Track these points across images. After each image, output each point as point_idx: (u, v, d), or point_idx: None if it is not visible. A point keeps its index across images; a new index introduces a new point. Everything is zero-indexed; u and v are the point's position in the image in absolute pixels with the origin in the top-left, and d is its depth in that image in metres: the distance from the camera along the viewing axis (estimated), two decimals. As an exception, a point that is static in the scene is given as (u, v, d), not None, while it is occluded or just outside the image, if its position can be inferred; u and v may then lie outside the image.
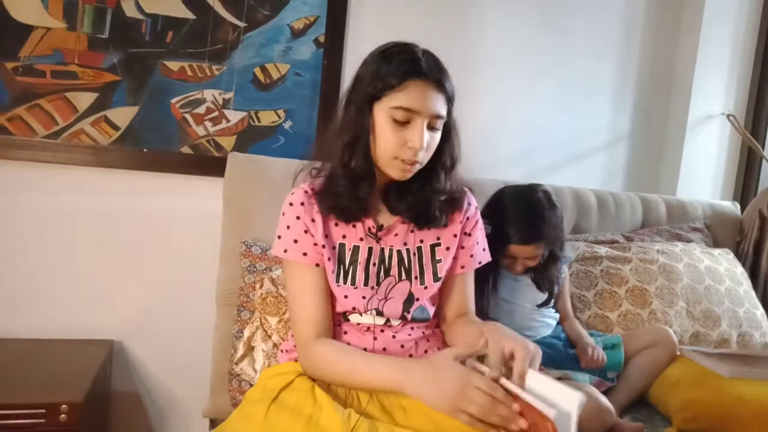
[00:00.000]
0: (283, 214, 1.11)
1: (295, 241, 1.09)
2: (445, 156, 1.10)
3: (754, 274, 2.12)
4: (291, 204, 1.10)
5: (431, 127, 1.04)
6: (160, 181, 1.73)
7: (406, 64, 1.01)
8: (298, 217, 1.09)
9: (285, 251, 1.09)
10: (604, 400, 1.31)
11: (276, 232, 1.12)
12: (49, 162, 1.64)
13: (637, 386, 1.50)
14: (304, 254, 1.09)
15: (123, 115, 1.69)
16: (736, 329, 1.81)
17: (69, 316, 1.69)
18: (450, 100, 1.05)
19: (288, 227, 1.10)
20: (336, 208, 1.08)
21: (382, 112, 1.02)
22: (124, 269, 1.73)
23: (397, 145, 1.02)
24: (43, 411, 1.27)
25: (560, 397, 0.87)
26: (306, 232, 1.09)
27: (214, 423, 1.46)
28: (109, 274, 1.72)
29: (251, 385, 1.31)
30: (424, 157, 1.05)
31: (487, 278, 1.49)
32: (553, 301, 1.59)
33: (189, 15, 1.71)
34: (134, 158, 1.70)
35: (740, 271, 1.98)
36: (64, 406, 1.27)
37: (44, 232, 1.67)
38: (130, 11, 1.67)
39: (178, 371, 1.79)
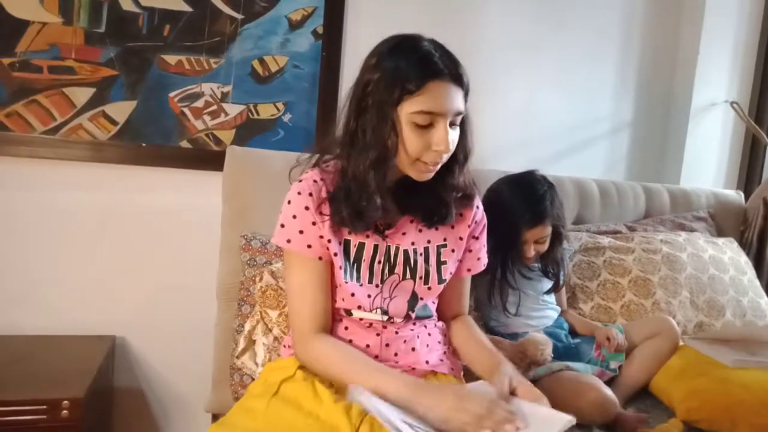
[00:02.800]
0: (289, 202, 1.05)
1: (301, 232, 1.03)
2: (458, 150, 1.04)
3: (758, 263, 2.11)
4: (299, 193, 1.04)
5: (452, 124, 0.99)
6: (159, 175, 1.73)
7: (422, 65, 0.95)
8: (306, 207, 1.03)
9: (288, 241, 1.04)
10: (607, 391, 1.30)
11: (279, 220, 1.07)
12: (47, 158, 1.63)
13: (639, 377, 1.49)
14: (309, 246, 1.04)
15: (121, 110, 1.68)
16: (740, 318, 1.79)
17: (70, 312, 1.69)
18: (467, 93, 1.01)
19: (294, 216, 1.04)
20: (352, 223, 1.03)
21: (402, 118, 0.97)
22: (125, 264, 1.73)
23: (422, 148, 0.98)
24: (45, 407, 1.27)
25: (550, 416, 0.95)
26: (314, 224, 1.03)
27: (216, 417, 1.46)
28: (109, 269, 1.72)
29: (253, 379, 1.31)
30: (446, 157, 1.01)
31: (503, 273, 1.51)
32: (561, 284, 1.60)
33: (186, 8, 1.70)
34: (133, 153, 1.70)
35: (744, 260, 1.97)
36: (65, 402, 1.28)
37: (44, 229, 1.66)
38: (127, 5, 1.65)
39: (180, 366, 1.79)
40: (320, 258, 1.05)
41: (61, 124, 1.64)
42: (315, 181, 1.05)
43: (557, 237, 1.55)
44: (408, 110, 0.96)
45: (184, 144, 1.74)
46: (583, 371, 1.42)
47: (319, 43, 1.83)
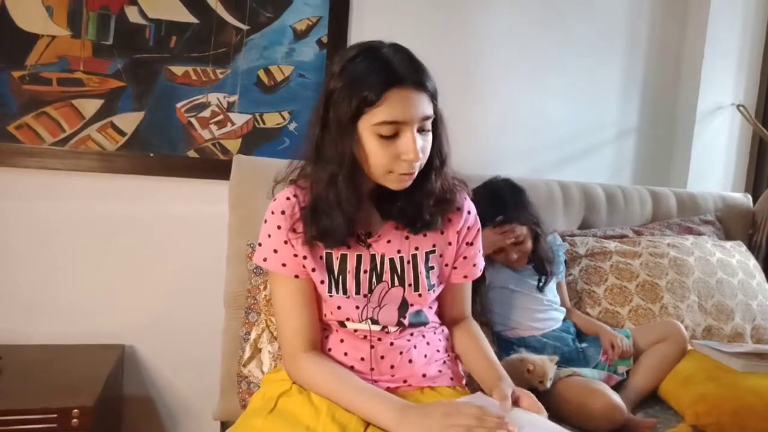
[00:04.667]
0: (265, 221, 1.06)
1: (275, 251, 1.04)
2: (434, 155, 1.01)
3: (767, 266, 2.09)
4: (273, 212, 1.05)
5: (421, 130, 0.96)
6: (166, 185, 1.75)
7: (381, 74, 0.92)
8: (279, 227, 1.04)
9: (264, 260, 1.06)
10: (616, 398, 1.30)
11: (258, 239, 1.08)
12: (57, 169, 1.66)
13: (648, 382, 1.49)
14: (283, 265, 1.04)
15: (129, 121, 1.70)
16: (749, 322, 1.78)
17: (79, 322, 1.71)
18: (434, 97, 0.97)
19: (269, 236, 1.05)
20: (323, 240, 1.02)
21: (366, 130, 0.94)
22: (133, 273, 1.75)
23: (390, 160, 0.95)
24: (55, 416, 1.28)
25: (551, 430, 0.94)
26: (286, 242, 1.04)
27: (224, 425, 1.47)
28: (118, 278, 1.74)
29: (259, 387, 1.31)
30: (422, 162, 0.99)
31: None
32: (552, 275, 1.60)
33: (192, 19, 1.72)
34: (141, 163, 1.72)
35: (753, 264, 1.95)
36: (75, 410, 1.29)
37: (53, 239, 1.68)
38: (134, 17, 1.68)
39: (189, 374, 1.80)
40: (297, 276, 1.05)
41: (70, 135, 1.66)
42: (288, 198, 1.05)
43: (534, 236, 1.57)
44: (370, 122, 0.93)
45: (191, 153, 1.76)
46: (590, 377, 1.42)
47: (324, 52, 1.84)
